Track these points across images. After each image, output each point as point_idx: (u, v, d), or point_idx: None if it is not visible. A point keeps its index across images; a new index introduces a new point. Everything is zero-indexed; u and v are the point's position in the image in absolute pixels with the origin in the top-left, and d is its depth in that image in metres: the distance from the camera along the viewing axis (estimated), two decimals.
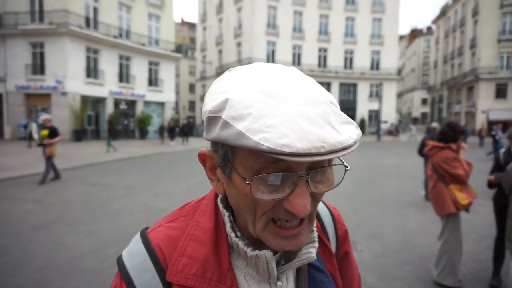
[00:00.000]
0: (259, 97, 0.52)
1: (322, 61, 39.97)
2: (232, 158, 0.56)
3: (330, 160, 0.55)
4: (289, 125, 0.49)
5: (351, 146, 0.51)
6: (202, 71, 47.05)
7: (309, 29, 38.87)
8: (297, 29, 38.87)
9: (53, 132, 9.68)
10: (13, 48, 23.63)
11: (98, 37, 24.70)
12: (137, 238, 0.66)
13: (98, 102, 25.99)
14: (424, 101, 67.87)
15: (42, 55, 23.54)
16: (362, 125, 39.24)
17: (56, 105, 23.20)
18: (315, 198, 0.58)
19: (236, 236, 0.64)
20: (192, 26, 69.01)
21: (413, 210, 6.92)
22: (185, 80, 57.28)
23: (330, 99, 0.58)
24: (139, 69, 28.69)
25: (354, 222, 5.90)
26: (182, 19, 71.36)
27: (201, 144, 22.78)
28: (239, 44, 38.86)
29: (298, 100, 0.52)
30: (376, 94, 39.12)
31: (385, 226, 5.80)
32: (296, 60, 38.93)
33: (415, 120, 67.39)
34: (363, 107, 40.38)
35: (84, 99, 24.29)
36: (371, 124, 40.56)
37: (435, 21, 56.36)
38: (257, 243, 0.63)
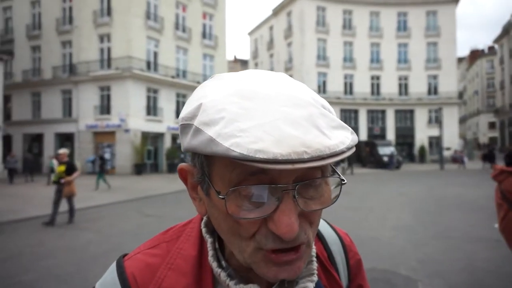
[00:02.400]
0: (235, 99, 0.46)
1: (375, 89, 39.10)
2: (209, 171, 0.49)
3: (324, 171, 0.48)
4: (267, 128, 0.42)
5: (342, 152, 0.44)
6: None
7: (361, 58, 38.57)
8: (348, 59, 38.74)
9: (71, 168, 8.84)
10: (85, 92, 26.23)
11: (157, 78, 26.60)
12: (113, 266, 0.59)
13: (156, 137, 27.56)
14: (491, 125, 62.78)
15: (108, 97, 25.80)
16: (422, 153, 37.08)
17: (119, 141, 24.99)
18: (309, 219, 0.48)
19: (220, 266, 0.55)
20: (244, 62, 71.81)
21: (483, 246, 6.22)
22: None
23: (322, 103, 0.51)
24: None
25: (414, 259, 5.42)
26: (235, 56, 74.76)
27: None
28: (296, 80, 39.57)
29: (279, 102, 0.45)
30: (435, 120, 37.03)
31: (451, 264, 5.25)
32: (348, 89, 38.53)
33: (481, 146, 62.27)
34: (422, 133, 38.32)
35: (144, 135, 25.91)
36: (432, 152, 38.18)
37: (497, 40, 53.04)
38: (246, 275, 0.55)
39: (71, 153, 25.37)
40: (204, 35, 31.42)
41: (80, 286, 4.57)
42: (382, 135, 37.94)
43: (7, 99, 26.76)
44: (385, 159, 29.93)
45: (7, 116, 27.51)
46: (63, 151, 9.12)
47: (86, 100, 26.09)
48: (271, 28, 44.57)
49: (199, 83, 30.85)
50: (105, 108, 25.84)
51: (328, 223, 0.74)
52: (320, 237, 0.69)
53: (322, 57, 38.11)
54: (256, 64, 48.59)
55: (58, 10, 27.87)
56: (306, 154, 0.41)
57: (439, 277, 4.72)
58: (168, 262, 0.56)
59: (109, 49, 26.17)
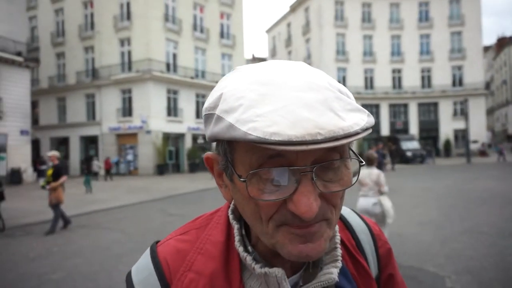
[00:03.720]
0: (253, 87, 0.49)
1: (397, 82, 38.22)
2: (231, 157, 0.51)
3: (342, 154, 0.49)
4: (282, 112, 0.44)
5: (356, 133, 0.46)
6: None
7: (381, 52, 37.77)
8: (368, 53, 38.03)
9: (57, 172, 7.83)
10: (107, 95, 26.88)
11: (177, 79, 26.92)
12: (147, 252, 0.63)
13: (177, 138, 27.91)
14: None
15: (130, 99, 26.32)
16: (447, 147, 35.99)
17: (141, 142, 25.45)
18: (329, 201, 0.50)
19: (246, 250, 0.57)
20: (262, 60, 71.53)
21: None
22: None
23: (339, 88, 0.52)
24: None
25: (442, 255, 5.24)
26: (253, 55, 74.85)
27: None
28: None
29: (295, 88, 0.47)
30: (461, 112, 35.85)
31: (481, 260, 5.04)
32: (369, 84, 37.84)
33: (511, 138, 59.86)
34: (447, 126, 37.16)
35: (166, 136, 26.28)
36: (457, 145, 36.98)
37: None
38: (271, 260, 0.56)
39: (96, 155, 26.13)
40: (222, 35, 31.57)
41: (105, 284, 4.66)
42: (405, 130, 37.04)
43: (34, 104, 27.76)
44: (409, 154, 29.22)
45: (35, 121, 28.54)
46: (53, 153, 8.11)
47: (109, 103, 26.72)
48: (288, 25, 44.31)
49: (217, 82, 30.92)
50: (127, 110, 26.38)
51: (356, 213, 0.75)
52: (347, 226, 0.70)
53: (341, 52, 37.56)
54: None
55: (80, 16, 28.65)
56: (319, 135, 0.42)
57: (469, 273, 4.54)
58: (198, 247, 0.59)
59: (129, 53, 26.69)
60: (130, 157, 26.02)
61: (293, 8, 42.64)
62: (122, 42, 27.08)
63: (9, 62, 20.41)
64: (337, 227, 0.62)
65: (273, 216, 0.49)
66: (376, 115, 37.28)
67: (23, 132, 21.52)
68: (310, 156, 0.46)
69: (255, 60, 73.45)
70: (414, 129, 37.26)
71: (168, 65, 27.18)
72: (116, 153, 26.36)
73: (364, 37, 37.96)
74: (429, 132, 37.64)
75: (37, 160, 23.13)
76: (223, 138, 0.48)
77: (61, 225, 8.32)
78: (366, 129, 0.48)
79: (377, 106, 37.47)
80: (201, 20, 29.95)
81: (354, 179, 0.52)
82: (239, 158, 0.50)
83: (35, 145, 27.34)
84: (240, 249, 0.57)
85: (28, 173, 21.48)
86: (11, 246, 7.02)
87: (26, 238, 7.62)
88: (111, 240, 7.12)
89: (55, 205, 7.91)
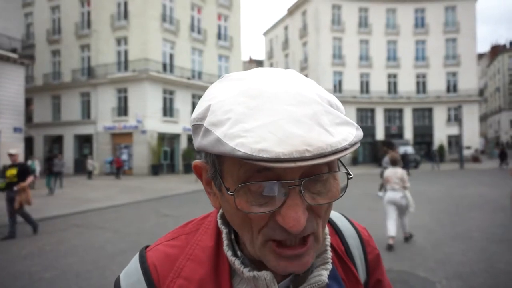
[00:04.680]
0: (241, 99, 0.48)
1: (392, 87, 38.49)
2: (220, 168, 0.51)
3: (331, 167, 0.49)
4: (271, 128, 0.44)
5: (344, 149, 0.45)
6: None
7: (377, 56, 38.02)
8: (364, 57, 38.27)
9: (24, 172, 7.31)
10: (103, 94, 26.76)
11: (173, 80, 26.89)
12: (136, 257, 0.63)
13: (173, 138, 27.84)
14: None
15: (126, 99, 26.23)
16: (441, 152, 36.30)
17: (136, 142, 25.36)
18: (316, 213, 0.50)
19: (234, 255, 0.58)
20: (260, 63, 71.88)
21: (506, 247, 6.03)
22: None
23: (329, 99, 0.52)
24: None
25: (433, 259, 5.30)
26: (250, 57, 74.99)
27: None
28: (305, 77, 39.38)
29: (285, 101, 0.47)
30: (455, 118, 36.18)
31: (471, 265, 5.10)
32: (365, 88, 38.06)
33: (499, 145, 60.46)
34: (441, 132, 37.51)
35: (161, 136, 26.20)
36: (451, 151, 37.32)
37: None
38: (259, 263, 0.56)
39: (90, 154, 25.98)
40: (219, 36, 31.60)
41: (98, 283, 4.65)
42: (400, 134, 37.30)
43: (28, 102, 27.55)
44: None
45: (29, 118, 28.32)
46: (15, 151, 7.54)
47: (104, 102, 26.60)
48: (286, 28, 44.46)
49: (206, 90, 30.92)
50: (122, 109, 26.28)
51: (346, 218, 0.75)
52: (337, 231, 0.70)
53: (337, 56, 37.77)
54: (271, 64, 48.54)
55: (77, 14, 28.53)
56: (308, 152, 0.42)
57: (459, 278, 4.60)
58: (187, 253, 0.59)
59: (126, 52, 26.62)
60: (124, 156, 25.90)
61: (291, 11, 42.81)
62: (118, 41, 27.00)
63: (3, 58, 20.24)
64: (327, 230, 0.63)
65: (263, 230, 0.49)
66: (372, 119, 37.50)
67: (16, 130, 21.32)
68: (298, 170, 0.45)
69: (252, 62, 73.52)
70: (408, 134, 37.54)
71: (164, 65, 27.14)
72: (110, 153, 26.23)
73: (360, 41, 38.21)
74: (423, 137, 37.94)
75: (29, 157, 22.93)
76: (212, 152, 0.48)
77: (31, 229, 7.59)
78: (354, 143, 0.47)
79: (372, 111, 37.70)
80: (198, 21, 29.96)
81: (342, 191, 0.52)
82: (227, 169, 0.49)
83: (29, 143, 27.11)
84: (229, 253, 0.57)
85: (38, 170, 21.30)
86: (2, 244, 6.98)
87: (18, 237, 7.57)
88: (104, 240, 7.10)
89: (20, 208, 7.29)
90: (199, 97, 29.31)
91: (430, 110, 38.10)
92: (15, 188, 7.18)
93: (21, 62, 21.67)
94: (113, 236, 7.48)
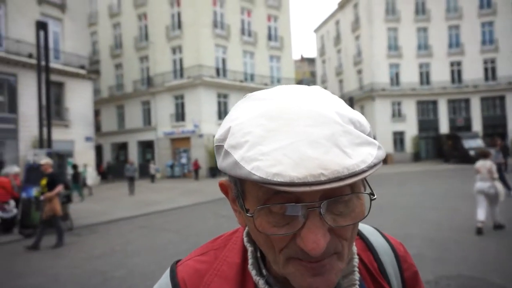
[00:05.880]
0: (261, 121, 0.48)
1: (456, 76, 35.74)
2: (241, 188, 0.51)
3: (353, 187, 0.47)
4: (287, 151, 0.43)
5: (363, 172, 0.43)
6: None
7: (437, 44, 35.50)
8: (423, 46, 36.01)
9: (53, 182, 7.24)
10: (161, 102, 28.22)
11: (226, 83, 27.54)
12: (167, 271, 0.64)
13: None
14: None
15: (182, 105, 27.39)
16: None
17: (194, 146, 26.35)
18: (339, 235, 0.48)
19: (260, 274, 0.57)
20: (311, 61, 71.02)
21: None
22: None
23: (350, 117, 0.49)
24: None
25: None
26: (301, 55, 74.34)
27: None
28: (359, 72, 38.06)
29: (304, 122, 0.46)
30: None
31: None
32: (424, 79, 35.80)
33: None
34: None
35: None
36: None
37: None
38: (286, 284, 0.54)
39: (152, 158, 27.48)
40: (269, 37, 31.74)
41: None
42: (467, 127, 34.49)
43: (96, 113, 29.99)
44: (472, 153, 27.16)
45: (98, 128, 30.77)
46: (46, 161, 7.52)
47: (163, 109, 28.03)
48: (337, 22, 43.38)
49: (266, 85, 31.28)
50: (180, 115, 27.47)
51: (380, 232, 0.72)
52: (369, 247, 0.67)
53: (393, 47, 35.95)
54: (323, 61, 47.73)
55: (136, 29, 30.41)
56: (323, 176, 0.41)
57: None
58: (215, 268, 0.60)
59: (181, 60, 27.80)
60: (184, 160, 27.03)
61: (342, 5, 41.66)
62: (174, 50, 28.28)
63: (74, 75, 22.21)
64: (355, 249, 0.61)
65: (283, 250, 0.48)
66: (434, 112, 35.17)
67: (87, 139, 23.27)
68: (317, 192, 0.44)
69: (303, 60, 72.82)
70: (477, 125, 34.56)
71: (217, 70, 27.89)
72: (170, 157, 27.54)
73: (418, 29, 35.98)
74: (495, 128, 34.64)
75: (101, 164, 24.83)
76: (230, 174, 0.48)
77: (54, 242, 7.27)
78: (374, 165, 0.45)
79: (434, 103, 35.33)
80: (248, 24, 30.36)
81: (367, 209, 0.50)
82: (248, 190, 0.50)
83: (98, 150, 29.43)
84: (253, 272, 0.57)
85: (93, 176, 23.18)
86: (78, 244, 7.61)
87: (91, 237, 8.21)
88: (167, 241, 7.43)
89: (52, 217, 7.19)
90: None
91: (502, 98, 34.71)
92: (41, 197, 7.25)
93: (89, 77, 23.62)
94: (174, 237, 7.80)
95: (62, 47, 22.02)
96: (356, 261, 0.60)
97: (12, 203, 8.79)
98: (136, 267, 5.68)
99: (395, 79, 35.68)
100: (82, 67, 22.75)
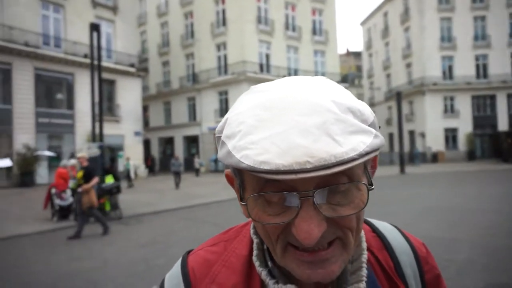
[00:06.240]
0: (255, 111, 0.48)
1: None
2: (241, 178, 0.52)
3: (350, 177, 0.46)
4: (276, 139, 0.43)
5: (353, 160, 0.42)
6: (371, 97, 45.93)
7: (496, 34, 32.89)
8: (480, 37, 33.54)
9: (89, 174, 7.50)
10: (206, 98, 28.92)
11: (269, 79, 27.29)
12: (179, 260, 0.67)
13: None
14: None
15: (226, 100, 27.86)
16: None
17: None
18: (341, 225, 0.47)
19: (264, 265, 0.58)
20: (357, 54, 68.97)
21: None
22: None
23: (349, 105, 0.48)
24: None
25: None
26: (347, 49, 72.39)
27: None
28: (408, 65, 36.32)
29: (296, 111, 0.46)
30: None
31: None
32: (481, 72, 33.36)
33: None
34: None
35: None
36: None
37: None
38: (290, 275, 0.54)
39: (197, 153, 28.27)
40: (314, 32, 31.28)
41: None
42: None
43: (145, 109, 31.37)
44: None
45: (146, 123, 32.21)
46: (82, 154, 7.90)
47: (208, 105, 28.70)
48: (385, 14, 41.67)
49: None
50: (224, 111, 27.96)
51: (399, 230, 0.69)
52: (386, 245, 0.65)
53: (446, 39, 33.84)
54: (370, 54, 46.13)
55: (182, 27, 31.34)
56: (308, 164, 0.41)
57: None
58: (224, 259, 0.61)
59: (225, 56, 28.25)
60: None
61: None
62: (218, 47, 28.79)
63: (124, 73, 23.40)
64: (364, 245, 0.60)
65: (280, 236, 0.48)
66: (491, 107, 32.72)
67: (136, 134, 24.44)
68: (311, 180, 0.44)
69: (349, 54, 70.89)
70: None
71: (261, 66, 28.00)
72: (214, 151, 28.13)
73: (475, 18, 33.54)
74: None
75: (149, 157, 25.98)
76: (225, 163, 0.48)
77: (101, 230, 7.68)
78: (366, 153, 0.44)
79: (492, 97, 32.84)
80: (293, 18, 30.11)
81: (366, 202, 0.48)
82: (247, 180, 0.50)
83: (146, 144, 30.82)
84: (257, 263, 0.58)
85: (141, 169, 24.35)
86: (126, 232, 8.04)
87: (137, 227, 8.64)
88: (206, 233, 7.62)
89: (89, 209, 7.46)
90: None
91: None
92: (79, 189, 7.52)
93: (138, 75, 24.76)
94: (213, 229, 7.97)
95: (114, 47, 23.28)
96: (365, 257, 0.58)
97: (69, 192, 9.51)
98: (177, 257, 5.83)
99: (448, 73, 33.62)
100: (132, 65, 23.90)
